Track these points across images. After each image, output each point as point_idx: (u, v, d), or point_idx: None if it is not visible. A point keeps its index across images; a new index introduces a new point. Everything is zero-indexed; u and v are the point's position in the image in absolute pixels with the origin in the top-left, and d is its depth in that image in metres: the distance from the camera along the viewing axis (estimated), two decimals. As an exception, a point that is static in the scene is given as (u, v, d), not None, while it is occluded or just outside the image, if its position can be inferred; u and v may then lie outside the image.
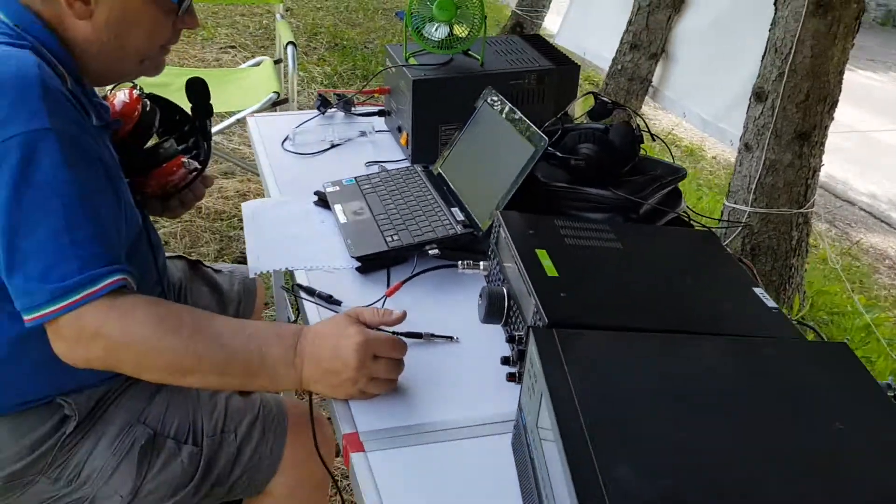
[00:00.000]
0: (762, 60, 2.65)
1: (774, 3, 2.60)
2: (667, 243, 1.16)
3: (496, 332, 1.12)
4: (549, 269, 1.01)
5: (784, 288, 2.82)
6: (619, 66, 4.13)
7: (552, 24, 5.85)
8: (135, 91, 1.30)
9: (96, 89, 1.23)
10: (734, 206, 2.77)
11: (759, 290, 1.03)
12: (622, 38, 4.11)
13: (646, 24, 3.96)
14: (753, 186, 2.69)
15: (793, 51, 2.49)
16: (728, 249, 1.16)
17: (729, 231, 2.81)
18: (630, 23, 4.06)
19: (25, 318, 0.97)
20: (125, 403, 1.20)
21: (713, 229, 2.85)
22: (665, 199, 1.32)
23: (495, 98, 1.43)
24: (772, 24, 2.60)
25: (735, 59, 3.25)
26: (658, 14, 3.91)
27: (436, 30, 1.55)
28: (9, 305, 1.00)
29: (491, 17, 6.84)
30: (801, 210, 2.71)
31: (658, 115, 5.56)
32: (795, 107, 2.55)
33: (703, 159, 5.03)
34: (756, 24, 2.80)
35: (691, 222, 1.36)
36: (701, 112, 3.61)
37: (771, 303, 1.00)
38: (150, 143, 1.32)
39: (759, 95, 2.64)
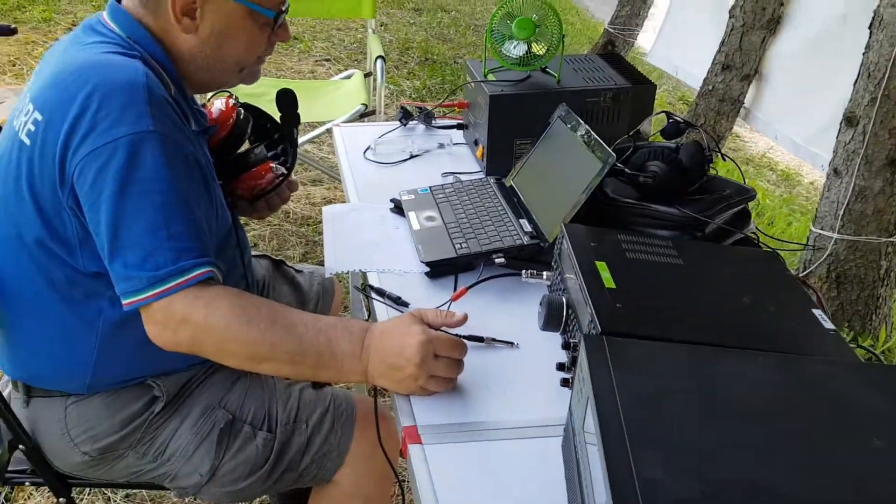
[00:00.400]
0: (854, 85, 2.58)
1: (869, 27, 2.53)
2: (728, 262, 1.16)
3: (554, 339, 1.15)
4: (608, 280, 1.04)
5: (870, 318, 2.72)
6: (711, 87, 4.07)
7: (646, 43, 5.80)
8: (230, 100, 1.39)
9: (196, 97, 1.33)
10: (820, 231, 2.70)
11: (818, 312, 1.02)
12: (714, 59, 4.05)
13: (739, 45, 3.89)
14: (841, 213, 2.62)
15: (887, 75, 2.42)
16: (791, 271, 1.15)
17: (814, 257, 2.74)
18: (723, 43, 4.00)
19: (123, 301, 1.06)
20: (208, 389, 1.28)
21: (797, 254, 2.78)
22: (733, 220, 1.33)
23: (568, 114, 1.47)
24: (866, 48, 2.54)
25: (828, 83, 3.16)
26: (752, 35, 3.84)
27: (514, 47, 1.60)
28: (111, 291, 1.10)
29: (584, 35, 6.88)
30: (892, 239, 2.62)
31: (755, 138, 5.41)
32: (888, 133, 2.48)
33: (799, 184, 4.86)
34: (851, 48, 2.73)
35: (760, 244, 1.35)
36: (792, 135, 3.52)
37: (829, 324, 1.00)
38: (242, 148, 1.41)
39: (849, 120, 2.58)
